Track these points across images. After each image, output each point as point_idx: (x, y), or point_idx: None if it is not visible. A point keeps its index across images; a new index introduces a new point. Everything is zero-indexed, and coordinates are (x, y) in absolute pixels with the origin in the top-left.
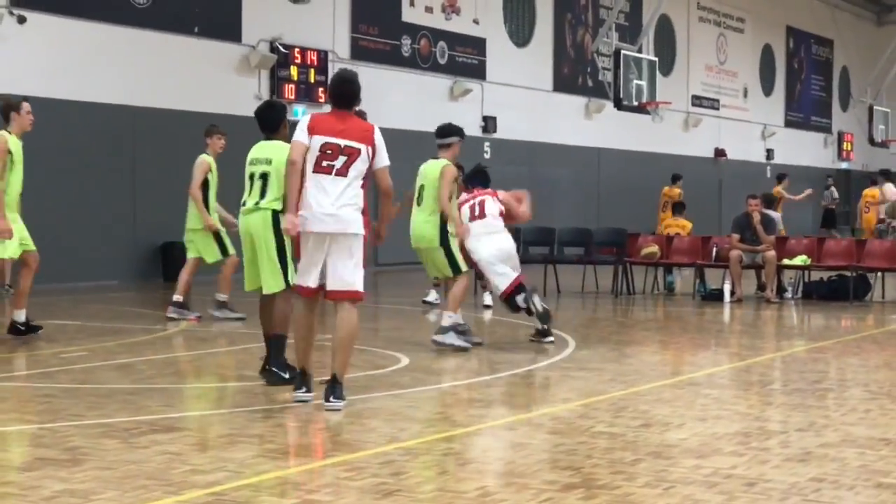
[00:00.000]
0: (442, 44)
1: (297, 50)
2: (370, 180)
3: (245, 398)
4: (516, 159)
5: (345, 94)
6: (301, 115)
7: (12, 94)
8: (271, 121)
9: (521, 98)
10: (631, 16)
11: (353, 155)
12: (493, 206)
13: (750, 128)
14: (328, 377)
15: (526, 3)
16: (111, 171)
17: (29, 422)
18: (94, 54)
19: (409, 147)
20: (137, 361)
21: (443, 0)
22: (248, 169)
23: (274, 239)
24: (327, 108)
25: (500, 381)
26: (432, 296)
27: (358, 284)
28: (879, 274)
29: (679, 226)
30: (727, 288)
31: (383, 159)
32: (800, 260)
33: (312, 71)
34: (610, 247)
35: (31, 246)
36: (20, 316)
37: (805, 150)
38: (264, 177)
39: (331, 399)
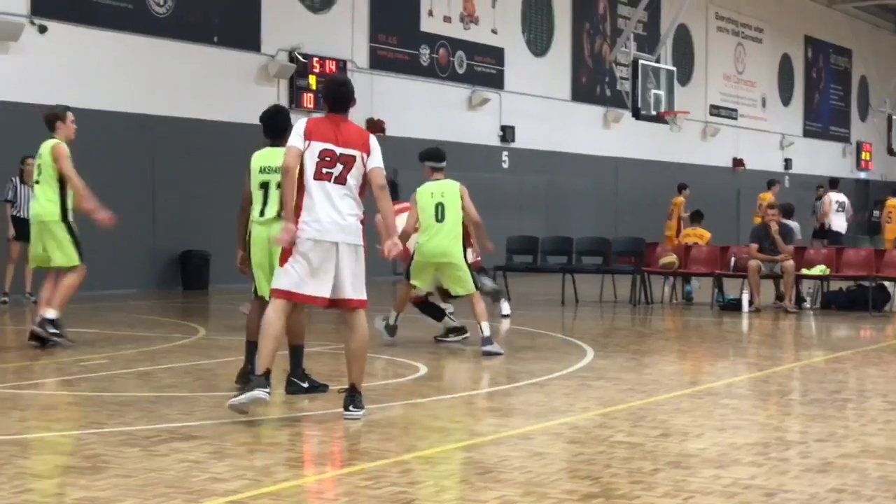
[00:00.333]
0: (460, 53)
1: (315, 59)
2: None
3: (264, 407)
4: (534, 169)
5: (343, 97)
6: None
7: (56, 105)
8: (279, 127)
9: (540, 107)
10: (649, 25)
11: (349, 163)
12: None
13: (768, 137)
14: (346, 386)
15: (544, 12)
16: (131, 181)
17: (50, 429)
18: (115, 63)
19: None
20: (157, 370)
21: (461, 10)
22: (260, 177)
23: None
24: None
25: (518, 390)
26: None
27: (365, 293)
28: None
29: (697, 235)
30: (745, 298)
31: (376, 161)
32: (818, 270)
33: None
34: (628, 256)
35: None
36: (50, 314)
37: (823, 159)
38: (269, 186)
39: (350, 408)
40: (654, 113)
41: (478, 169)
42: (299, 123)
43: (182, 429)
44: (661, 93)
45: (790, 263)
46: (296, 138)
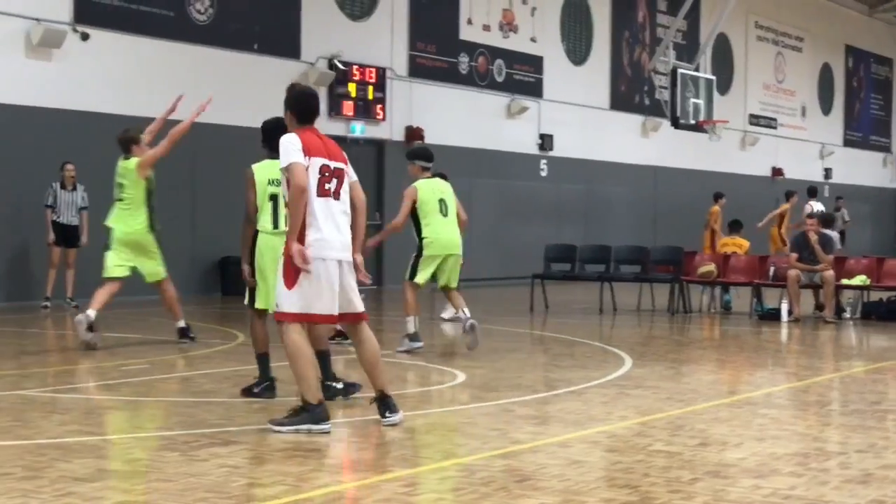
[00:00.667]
0: (499, 61)
1: (355, 67)
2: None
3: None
4: (573, 177)
5: (317, 108)
6: (359, 132)
7: (130, 128)
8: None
9: (578, 116)
10: (688, 34)
11: (341, 177)
12: None
13: (808, 147)
14: (374, 395)
15: (583, 21)
16: (171, 187)
17: (91, 434)
18: (156, 71)
19: (466, 164)
20: (196, 375)
21: (500, 18)
22: (270, 189)
23: None
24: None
25: (556, 398)
26: (450, 312)
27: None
28: None
29: (736, 244)
30: (785, 307)
31: (353, 173)
32: (859, 280)
33: (371, 88)
34: (666, 265)
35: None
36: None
37: (863, 169)
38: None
39: (387, 414)
40: (692, 122)
41: (516, 177)
42: (293, 139)
43: (221, 434)
44: (700, 102)
45: (830, 273)
46: (297, 154)
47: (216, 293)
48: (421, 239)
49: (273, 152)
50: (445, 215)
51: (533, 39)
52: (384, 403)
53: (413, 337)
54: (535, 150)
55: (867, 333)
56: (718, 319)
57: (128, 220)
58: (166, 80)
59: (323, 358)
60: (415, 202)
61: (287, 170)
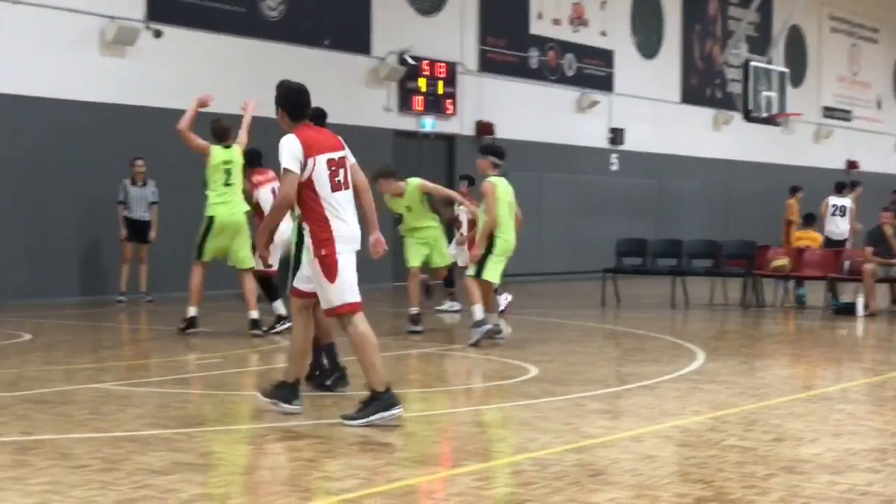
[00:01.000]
0: (569, 56)
1: (425, 62)
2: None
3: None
4: (644, 171)
5: (306, 103)
6: (429, 127)
7: (221, 117)
8: (321, 123)
9: (649, 110)
10: (761, 27)
11: (344, 165)
12: None
13: (883, 139)
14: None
15: (654, 14)
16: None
17: (166, 426)
18: (228, 67)
19: (536, 159)
20: (270, 369)
21: (571, 12)
22: None
23: None
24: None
25: (628, 392)
26: (447, 304)
27: None
28: None
29: (810, 238)
30: (860, 302)
31: (351, 156)
32: None
33: (441, 83)
34: (739, 259)
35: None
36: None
37: None
38: None
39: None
40: (765, 115)
41: (587, 171)
42: (293, 144)
43: (295, 427)
44: (773, 94)
45: None
46: (294, 162)
47: (283, 289)
48: (493, 237)
49: None
50: (510, 217)
51: (603, 33)
52: (296, 390)
53: (480, 323)
54: (605, 145)
55: None
56: (792, 314)
57: (233, 205)
58: (237, 76)
59: (331, 349)
60: None
61: (284, 173)
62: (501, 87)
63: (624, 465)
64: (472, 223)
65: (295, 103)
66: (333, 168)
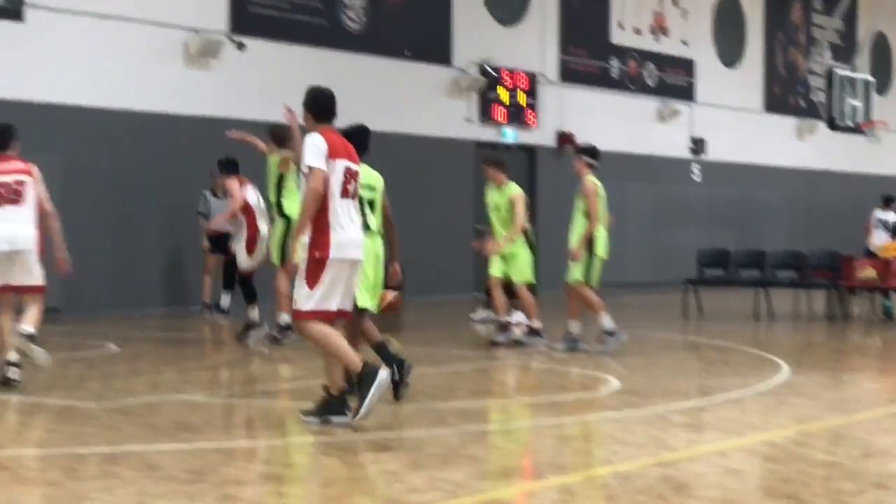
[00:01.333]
0: (650, 65)
1: (506, 72)
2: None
3: (457, 418)
4: (726, 181)
5: (332, 107)
6: (511, 137)
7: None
8: (365, 145)
9: (731, 119)
10: (845, 35)
11: (357, 178)
12: None
13: None
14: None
15: (736, 23)
16: None
17: (251, 438)
18: (310, 78)
19: (617, 169)
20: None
21: (651, 21)
22: (360, 193)
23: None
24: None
25: (712, 405)
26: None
27: None
28: None
29: None
30: None
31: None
32: None
33: (522, 93)
34: (824, 270)
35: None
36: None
37: None
38: (372, 203)
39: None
40: (850, 124)
41: (668, 181)
42: (319, 142)
43: (379, 439)
44: (858, 103)
45: None
46: (318, 159)
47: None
48: (593, 240)
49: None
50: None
51: (684, 42)
52: (336, 405)
53: (612, 333)
54: (687, 154)
55: None
56: (879, 326)
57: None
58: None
59: (381, 348)
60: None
61: (309, 171)
62: (582, 96)
63: (709, 479)
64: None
65: (321, 106)
66: (348, 176)
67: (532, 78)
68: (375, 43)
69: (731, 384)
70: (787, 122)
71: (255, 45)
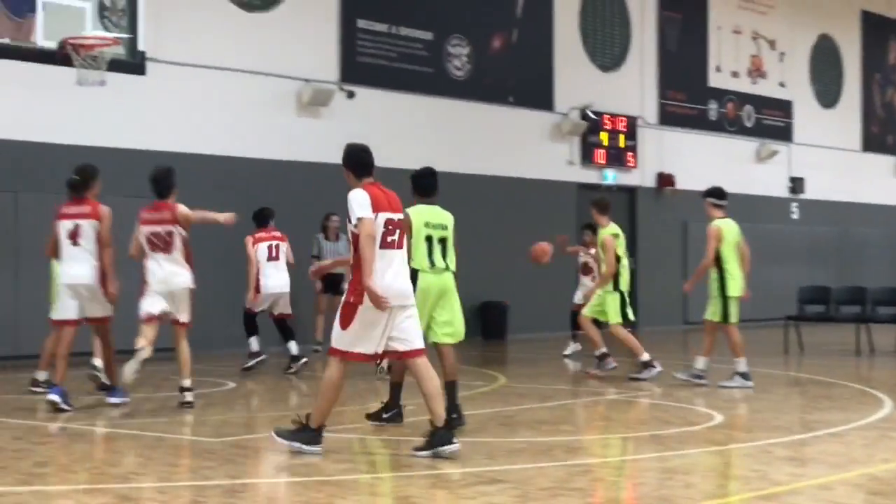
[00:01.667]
0: (748, 107)
1: (606, 116)
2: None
3: (563, 452)
4: (825, 219)
5: (369, 162)
6: (611, 179)
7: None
8: (434, 186)
9: (830, 158)
10: None
11: (401, 227)
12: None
13: None
14: (432, 428)
15: (833, 64)
16: None
17: (363, 471)
18: (417, 124)
19: None
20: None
21: (749, 64)
22: (425, 231)
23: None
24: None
25: (815, 439)
26: (571, 348)
27: None
28: None
29: None
30: None
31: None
32: None
33: (622, 136)
34: None
35: None
36: None
37: None
38: (444, 241)
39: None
40: None
41: (767, 220)
42: (362, 195)
43: (487, 473)
44: None
45: None
46: (367, 210)
47: (477, 336)
48: (724, 279)
49: (423, 198)
50: (737, 257)
51: (782, 84)
52: (441, 436)
53: (745, 376)
54: (785, 194)
55: None
56: None
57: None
58: (427, 132)
59: (451, 388)
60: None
61: (359, 222)
62: (681, 139)
63: None
64: (589, 268)
65: (358, 162)
66: (390, 227)
67: (632, 121)
68: (480, 89)
69: (834, 419)
70: (885, 161)
71: (364, 94)
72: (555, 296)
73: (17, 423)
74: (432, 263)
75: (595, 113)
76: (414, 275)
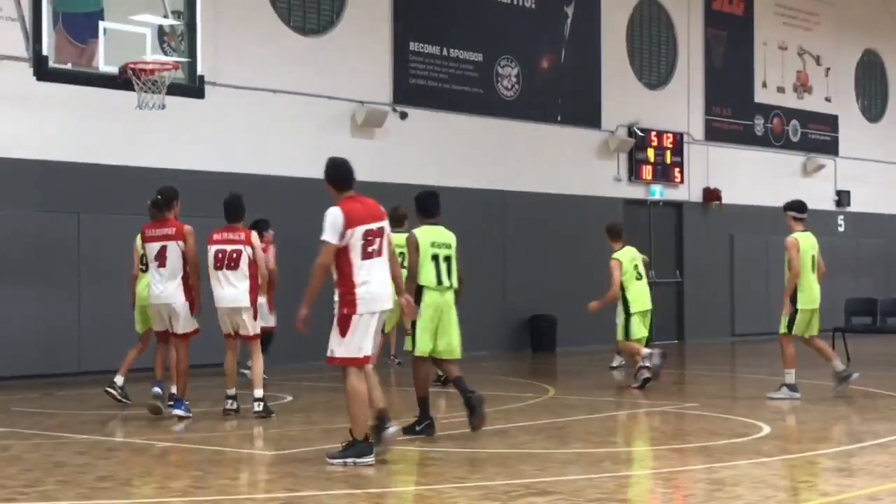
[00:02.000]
0: (794, 122)
1: (653, 133)
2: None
3: (612, 464)
4: (871, 231)
5: (349, 176)
6: (658, 195)
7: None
8: (437, 207)
9: (875, 171)
10: None
11: (382, 235)
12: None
13: None
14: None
15: (878, 79)
16: (483, 250)
17: (418, 483)
18: (468, 144)
19: (763, 222)
20: (512, 427)
21: (794, 80)
22: (431, 250)
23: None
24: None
25: (862, 450)
26: (617, 360)
27: None
28: None
29: None
30: None
31: (388, 227)
32: None
33: (668, 152)
34: None
35: None
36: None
37: None
38: (448, 259)
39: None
40: None
41: (813, 233)
42: (336, 217)
43: (538, 484)
44: None
45: None
46: (334, 234)
47: (526, 349)
48: (796, 291)
49: (427, 219)
50: (813, 269)
51: (827, 99)
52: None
53: (792, 387)
54: (831, 207)
55: None
56: None
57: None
58: (476, 151)
59: (459, 382)
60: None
61: (322, 244)
62: (727, 154)
63: None
64: None
65: (338, 176)
66: (369, 238)
67: (678, 138)
68: (529, 109)
69: (881, 429)
70: None
71: (416, 114)
72: (602, 309)
73: (80, 439)
74: (440, 281)
75: (642, 130)
76: (419, 291)
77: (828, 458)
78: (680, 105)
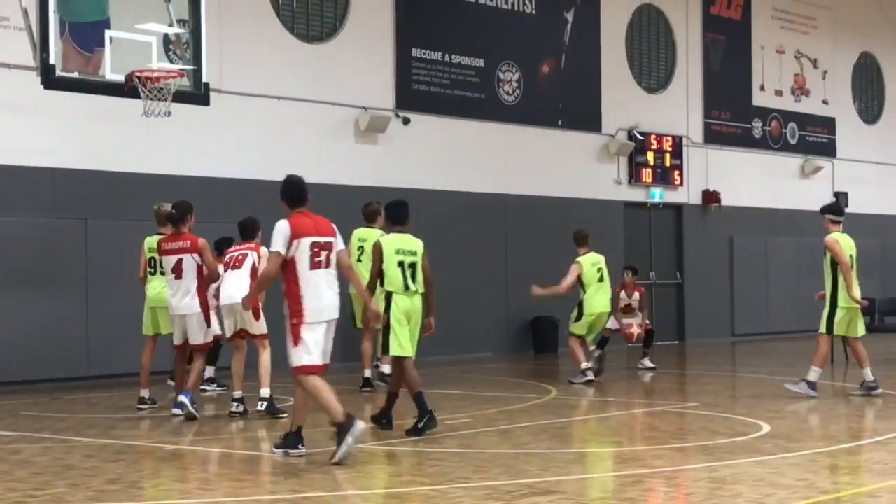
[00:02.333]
0: (792, 124)
1: (653, 136)
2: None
3: (615, 464)
4: (868, 232)
5: (304, 193)
6: (658, 197)
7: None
8: (405, 216)
9: (872, 173)
10: None
11: (329, 248)
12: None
13: None
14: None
15: (874, 81)
16: (486, 253)
17: (422, 483)
18: (470, 148)
19: (761, 224)
20: (515, 428)
21: (792, 83)
22: (396, 257)
23: None
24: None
25: (861, 448)
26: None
27: None
28: None
29: None
30: None
31: (342, 243)
32: None
33: (668, 155)
34: None
35: None
36: None
37: None
38: (413, 266)
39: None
40: None
41: (811, 234)
42: (284, 229)
43: (541, 484)
44: None
45: None
46: (282, 245)
47: (528, 350)
48: (836, 292)
49: (395, 226)
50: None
51: (825, 101)
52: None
53: (812, 385)
54: None
55: None
56: None
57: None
58: (479, 156)
59: (419, 398)
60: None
61: (271, 254)
62: (726, 156)
63: None
64: (630, 308)
65: (292, 195)
66: (316, 250)
67: (677, 141)
68: (530, 114)
69: (880, 427)
70: None
71: (419, 120)
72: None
73: (89, 442)
74: (406, 287)
75: (642, 133)
76: (388, 297)
77: (827, 456)
78: (679, 108)
